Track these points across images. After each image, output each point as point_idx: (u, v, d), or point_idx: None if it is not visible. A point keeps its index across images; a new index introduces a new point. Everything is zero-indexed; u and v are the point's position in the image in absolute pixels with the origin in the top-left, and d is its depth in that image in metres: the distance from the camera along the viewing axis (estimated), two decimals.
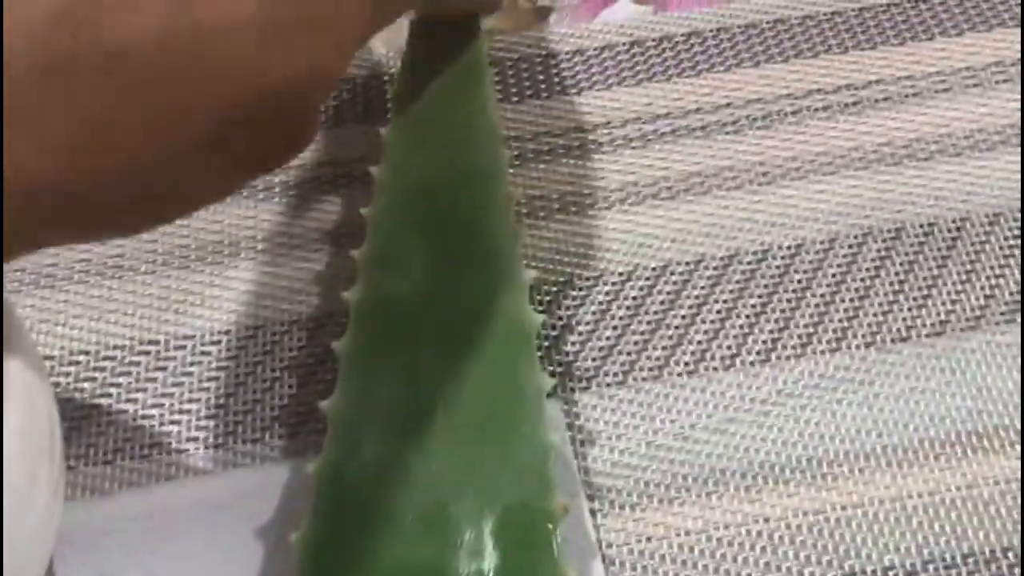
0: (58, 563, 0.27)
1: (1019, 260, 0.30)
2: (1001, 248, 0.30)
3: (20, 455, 0.22)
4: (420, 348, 0.28)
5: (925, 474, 0.27)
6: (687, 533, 0.27)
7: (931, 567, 0.26)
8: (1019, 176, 0.31)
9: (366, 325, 0.28)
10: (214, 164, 0.19)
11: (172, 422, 0.29)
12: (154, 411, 0.29)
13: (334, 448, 0.27)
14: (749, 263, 0.31)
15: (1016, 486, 0.27)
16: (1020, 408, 0.28)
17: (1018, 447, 0.27)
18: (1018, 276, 0.30)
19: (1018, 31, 0.34)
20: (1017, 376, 0.28)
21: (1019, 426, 0.28)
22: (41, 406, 0.23)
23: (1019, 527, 0.26)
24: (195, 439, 0.29)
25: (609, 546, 0.27)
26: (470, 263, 0.29)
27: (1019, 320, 0.29)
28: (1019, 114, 0.33)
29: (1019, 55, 0.34)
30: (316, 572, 0.25)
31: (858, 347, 0.29)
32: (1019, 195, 0.31)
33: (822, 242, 0.31)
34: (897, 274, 0.30)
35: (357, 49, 0.23)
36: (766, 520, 0.27)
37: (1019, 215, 0.31)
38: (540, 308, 0.30)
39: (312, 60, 0.20)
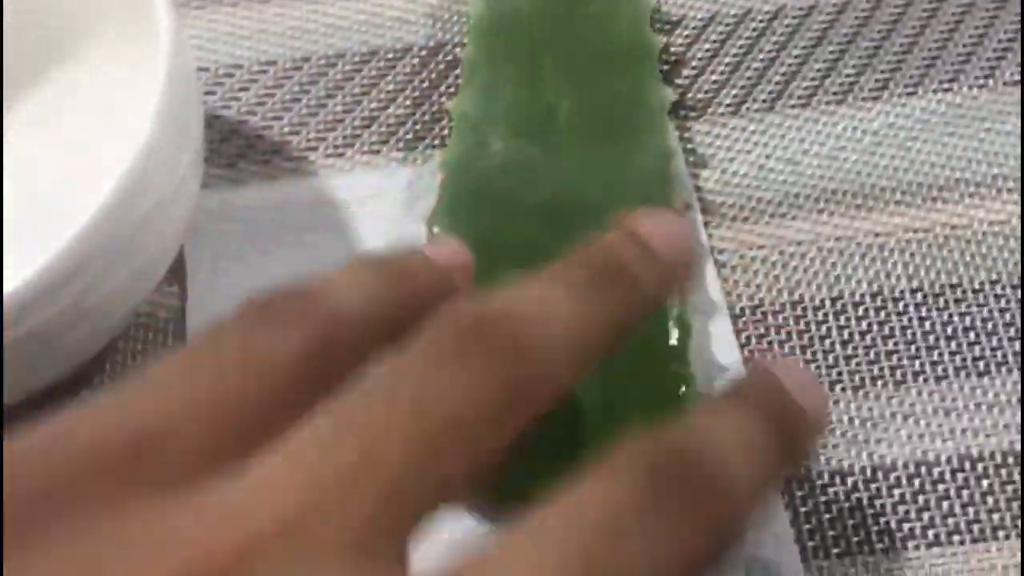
0: (187, 248, 0.28)
1: None
2: None
3: (167, 130, 0.22)
4: (542, 58, 0.28)
5: None
6: (798, 244, 0.27)
7: None
8: None
9: (487, 36, 0.29)
10: None
11: (291, 133, 0.30)
12: (273, 123, 0.30)
13: (460, 142, 0.27)
14: (864, 9, 0.31)
15: None
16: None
17: None
18: None
19: None
20: None
21: None
22: (190, 98, 0.24)
23: None
24: (314, 148, 0.30)
25: (721, 252, 0.27)
26: None
27: None
28: None
29: None
30: None
31: (970, 88, 0.29)
32: None
33: None
34: (1012, 22, 0.30)
35: None
36: (876, 235, 0.27)
37: None
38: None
39: None
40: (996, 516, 0.24)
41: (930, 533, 0.24)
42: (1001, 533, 0.23)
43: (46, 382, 0.25)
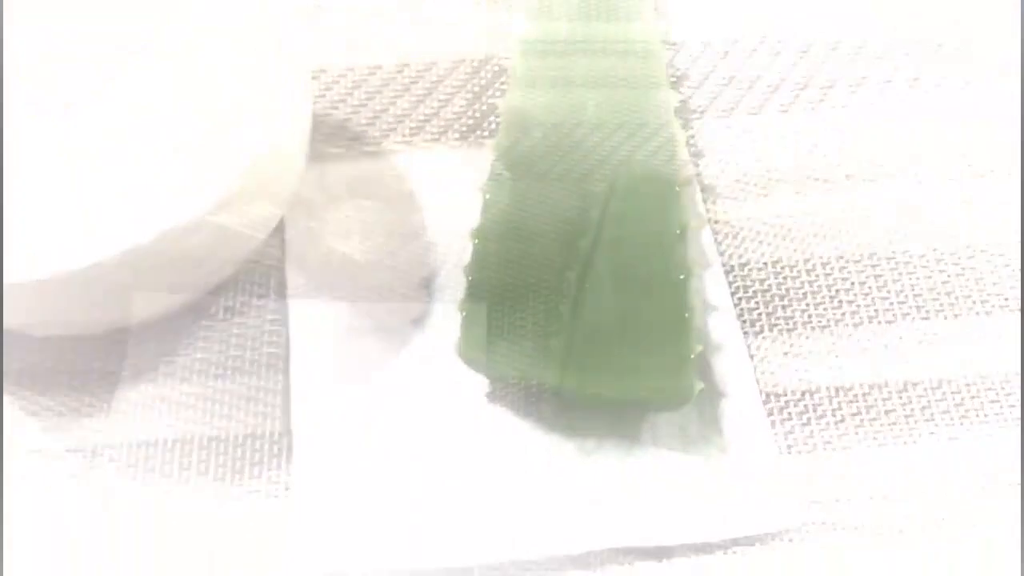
0: (287, 212, 0.34)
1: None
2: None
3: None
4: (573, 66, 0.35)
5: None
6: (777, 216, 0.34)
7: None
8: None
9: (529, 56, 0.36)
10: None
11: (368, 124, 0.37)
12: (352, 116, 0.37)
13: (508, 130, 0.34)
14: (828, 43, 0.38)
15: None
16: None
17: None
18: None
19: None
20: None
21: None
22: (305, 88, 0.31)
23: None
24: (387, 136, 0.36)
25: (716, 222, 0.34)
26: None
27: None
28: None
29: None
30: (494, 214, 0.32)
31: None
32: None
33: None
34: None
35: None
36: (840, 210, 0.34)
37: None
38: None
39: None
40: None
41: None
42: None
43: (174, 307, 0.31)
